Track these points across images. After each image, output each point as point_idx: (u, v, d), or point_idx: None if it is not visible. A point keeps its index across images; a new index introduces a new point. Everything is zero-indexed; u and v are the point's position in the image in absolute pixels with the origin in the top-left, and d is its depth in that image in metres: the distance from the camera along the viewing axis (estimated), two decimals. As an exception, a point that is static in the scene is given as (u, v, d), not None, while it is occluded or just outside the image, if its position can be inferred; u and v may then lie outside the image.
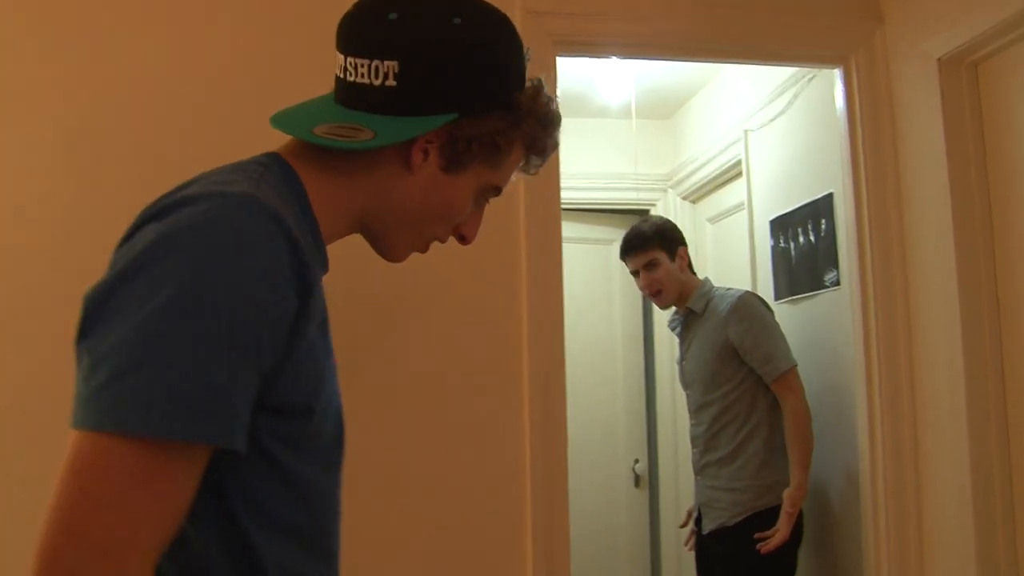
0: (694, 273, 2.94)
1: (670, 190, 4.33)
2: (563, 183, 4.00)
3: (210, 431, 0.72)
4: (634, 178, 4.19)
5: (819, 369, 2.74)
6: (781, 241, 3.03)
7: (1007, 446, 1.99)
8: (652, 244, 2.83)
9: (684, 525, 3.01)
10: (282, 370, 0.79)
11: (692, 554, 2.94)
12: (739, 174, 3.54)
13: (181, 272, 0.72)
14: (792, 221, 2.94)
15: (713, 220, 4.04)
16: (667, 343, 4.20)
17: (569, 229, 4.35)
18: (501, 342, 2.03)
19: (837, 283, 2.62)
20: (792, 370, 2.64)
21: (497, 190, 1.03)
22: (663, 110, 4.31)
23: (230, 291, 0.73)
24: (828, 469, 2.70)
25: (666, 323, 3.15)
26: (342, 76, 0.95)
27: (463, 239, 1.06)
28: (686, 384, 2.93)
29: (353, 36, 0.95)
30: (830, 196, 2.66)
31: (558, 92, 1.10)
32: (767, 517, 2.60)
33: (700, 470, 2.83)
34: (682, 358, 2.95)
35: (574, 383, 4.26)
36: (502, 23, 0.97)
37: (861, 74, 2.32)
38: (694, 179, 4.03)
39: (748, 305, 2.72)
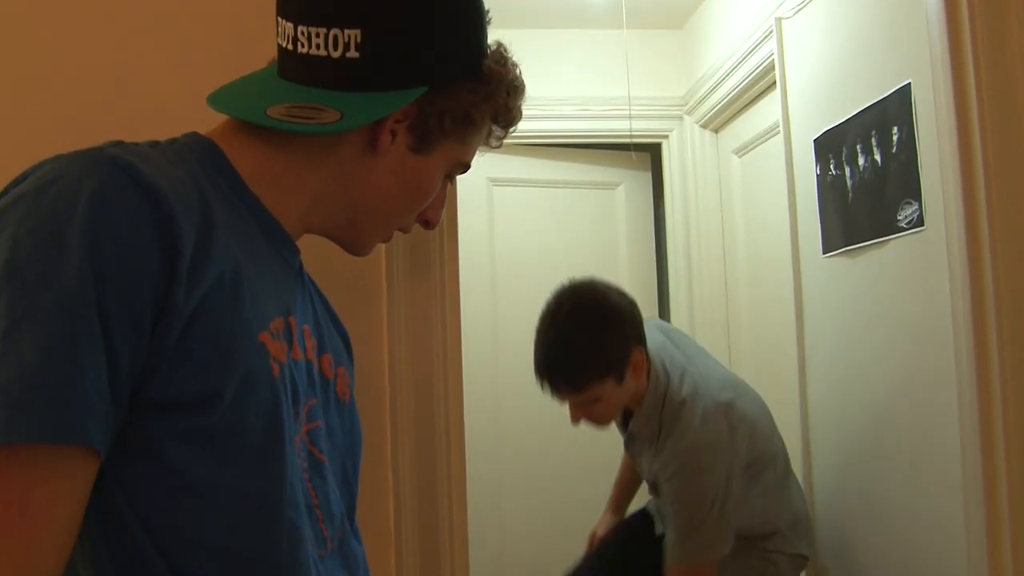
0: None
1: (686, 117, 3.44)
2: (550, 111, 3.27)
3: (44, 427, 0.61)
4: (639, 104, 3.30)
5: (894, 358, 1.86)
6: (831, 167, 2.13)
7: None
8: (593, 375, 1.77)
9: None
10: (163, 351, 0.67)
11: None
12: (772, 85, 2.66)
13: (4, 249, 0.64)
14: (846, 136, 2.04)
15: (740, 151, 3.15)
16: (685, 307, 3.35)
17: (559, 171, 3.64)
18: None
19: (920, 222, 1.73)
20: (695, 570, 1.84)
21: (465, 167, 0.95)
22: (673, 18, 3.42)
23: (58, 257, 0.63)
24: (909, 515, 1.82)
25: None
26: (290, 47, 0.85)
27: (427, 224, 0.98)
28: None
29: (304, 1, 0.84)
30: (906, 90, 1.75)
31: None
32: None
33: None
34: (633, 457, 2.09)
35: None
36: None
37: None
38: (714, 98, 3.13)
39: (689, 456, 1.81)
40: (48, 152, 0.73)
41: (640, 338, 1.84)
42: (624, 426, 2.03)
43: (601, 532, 2.25)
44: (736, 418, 1.85)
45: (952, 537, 1.62)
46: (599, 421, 1.89)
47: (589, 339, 1.76)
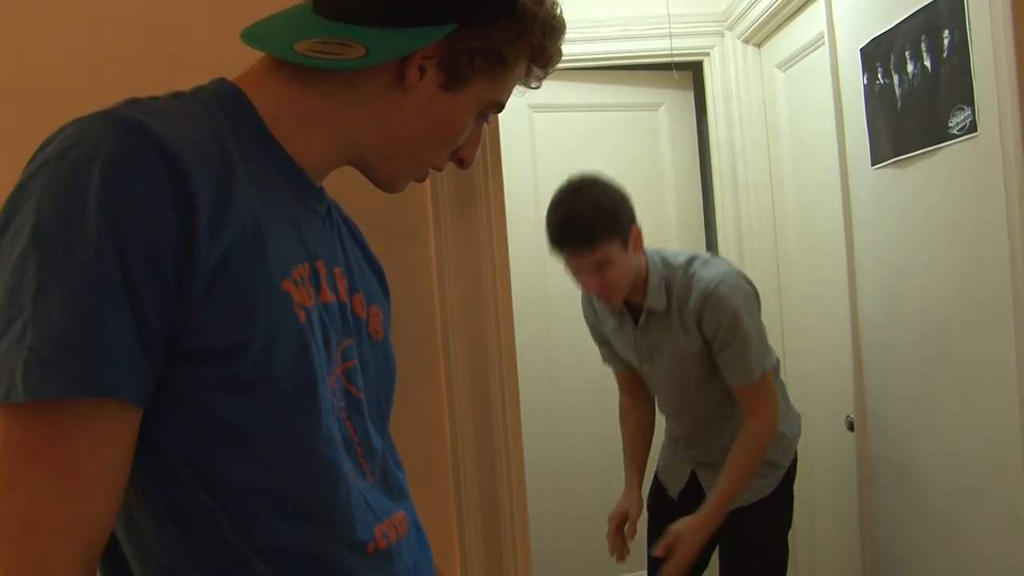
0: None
1: (727, 33, 3.35)
2: (588, 34, 3.22)
3: (73, 384, 0.65)
4: (679, 21, 3.23)
5: (947, 268, 1.84)
6: (879, 76, 2.08)
7: None
8: (601, 233, 1.95)
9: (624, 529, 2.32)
10: (191, 304, 0.70)
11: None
12: (816, -7, 2.58)
13: (30, 216, 0.67)
14: (894, 43, 1.98)
15: (784, 65, 3.07)
16: (732, 226, 3.32)
17: (600, 94, 3.58)
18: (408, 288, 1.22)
19: (973, 128, 1.69)
20: (766, 375, 2.07)
21: (499, 106, 0.94)
22: (712, -74, 3.31)
23: (78, 221, 0.66)
24: (963, 423, 1.82)
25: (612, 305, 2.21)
26: None
27: (461, 163, 0.97)
28: (653, 385, 2.31)
29: None
30: (958, -10, 1.70)
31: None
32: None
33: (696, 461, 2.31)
34: (641, 361, 2.25)
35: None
36: None
37: None
38: (756, 11, 3.05)
39: (710, 290, 2.03)
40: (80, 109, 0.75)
41: (635, 219, 2.04)
42: (634, 322, 2.18)
43: (634, 511, 2.33)
44: (736, 269, 2.14)
45: (1007, 445, 1.62)
46: (612, 290, 2.03)
47: (594, 204, 1.96)
